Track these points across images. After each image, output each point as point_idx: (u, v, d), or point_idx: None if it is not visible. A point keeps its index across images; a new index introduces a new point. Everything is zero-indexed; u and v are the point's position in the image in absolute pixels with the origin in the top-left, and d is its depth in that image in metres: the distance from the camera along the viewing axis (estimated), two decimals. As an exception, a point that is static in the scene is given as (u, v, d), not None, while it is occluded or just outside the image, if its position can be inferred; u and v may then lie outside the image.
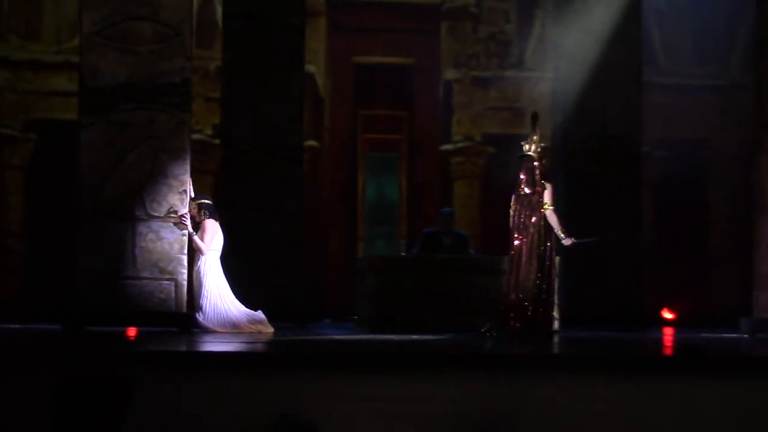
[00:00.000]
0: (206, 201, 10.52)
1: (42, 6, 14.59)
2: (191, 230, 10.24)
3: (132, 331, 9.74)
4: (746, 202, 12.58)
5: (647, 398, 6.75)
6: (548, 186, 10.05)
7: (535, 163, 10.08)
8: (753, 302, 11.52)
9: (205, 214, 10.34)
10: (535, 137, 10.21)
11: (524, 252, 9.98)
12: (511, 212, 10.11)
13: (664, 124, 14.75)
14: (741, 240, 13.65)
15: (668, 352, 9.12)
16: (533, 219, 9.99)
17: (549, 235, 10.00)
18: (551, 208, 9.99)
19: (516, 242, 10.01)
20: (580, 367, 7.37)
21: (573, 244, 10.19)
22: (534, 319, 9.86)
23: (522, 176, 10.05)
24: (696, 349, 8.02)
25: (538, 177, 10.03)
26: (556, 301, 10.26)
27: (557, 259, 10.27)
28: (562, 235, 10.03)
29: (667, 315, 13.02)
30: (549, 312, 10.04)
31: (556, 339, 9.93)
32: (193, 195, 10.45)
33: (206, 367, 7.16)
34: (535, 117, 10.44)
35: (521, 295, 9.94)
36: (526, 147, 10.19)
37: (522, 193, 10.04)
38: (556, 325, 10.31)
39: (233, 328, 10.10)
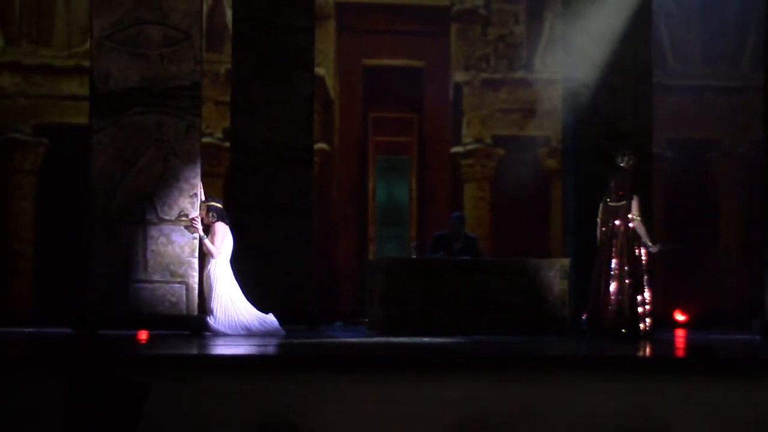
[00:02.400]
0: (216, 204, 10.54)
1: (53, 11, 14.62)
2: (202, 233, 10.27)
3: (143, 335, 9.76)
4: (756, 203, 12.55)
5: (661, 398, 6.77)
6: (635, 198, 10.62)
7: (626, 176, 10.72)
8: (765, 303, 11.51)
9: (213, 216, 10.36)
10: (627, 152, 10.89)
11: (614, 259, 10.57)
12: (599, 221, 10.75)
13: (674, 124, 14.73)
14: (751, 241, 13.63)
15: (680, 353, 9.14)
16: (622, 228, 10.58)
17: (637, 243, 10.56)
18: (639, 218, 10.56)
19: (605, 249, 10.61)
20: (592, 367, 7.39)
21: (660, 251, 10.74)
22: (630, 322, 10.40)
23: (612, 186, 10.71)
24: (707, 350, 8.03)
25: (628, 189, 10.64)
26: (648, 306, 10.59)
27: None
28: (650, 244, 10.57)
29: (680, 317, 13.00)
30: (643, 316, 10.50)
31: (650, 340, 10.21)
32: (203, 198, 10.47)
33: (217, 369, 7.19)
34: (621, 138, 11.58)
35: (614, 300, 10.49)
36: (619, 159, 10.86)
37: (611, 203, 10.64)
38: (648, 327, 10.59)
39: (244, 331, 10.12)
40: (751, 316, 11.69)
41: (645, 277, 10.59)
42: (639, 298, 10.49)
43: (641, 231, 10.53)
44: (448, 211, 13.57)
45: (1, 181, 14.35)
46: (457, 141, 15.48)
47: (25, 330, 10.86)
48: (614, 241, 10.55)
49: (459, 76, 15.54)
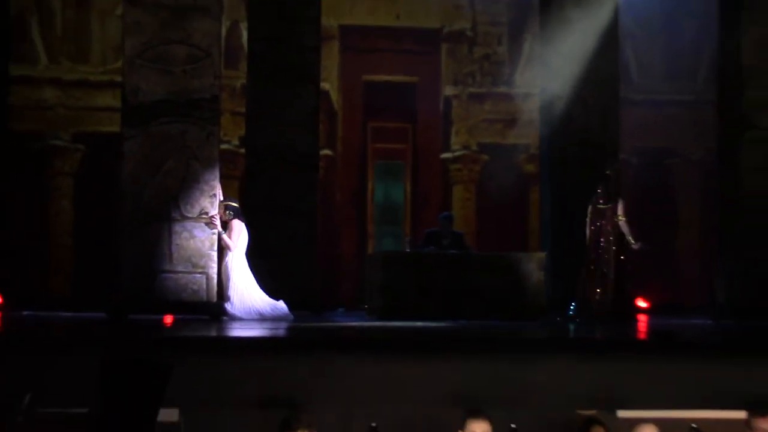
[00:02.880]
0: (233, 203, 10.56)
1: (90, 32, 14.63)
2: (220, 229, 10.29)
3: (168, 319, 9.77)
4: (711, 203, 12.58)
5: (623, 375, 6.80)
6: (621, 201, 10.76)
7: (612, 182, 10.89)
8: (716, 293, 11.55)
9: (230, 214, 10.37)
10: (613, 161, 11.23)
11: (602, 255, 10.69)
12: (588, 221, 10.85)
13: (638, 134, 14.73)
14: (707, 236, 13.66)
15: (643, 336, 9.16)
16: (609, 227, 10.67)
17: (621, 241, 10.66)
18: (624, 219, 10.66)
19: (593, 246, 10.74)
20: (565, 348, 7.42)
21: (641, 247, 10.78)
22: (614, 307, 10.62)
23: (600, 191, 10.81)
24: (668, 333, 8.08)
25: (614, 193, 10.78)
26: (627, 295, 10.93)
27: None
28: (633, 241, 10.65)
29: (642, 304, 13.00)
30: (625, 301, 10.79)
31: (631, 321, 10.43)
32: (221, 198, 10.49)
33: (234, 350, 7.21)
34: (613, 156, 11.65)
35: (600, 290, 10.51)
36: (606, 167, 11.11)
37: (599, 205, 10.72)
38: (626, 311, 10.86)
39: (257, 315, 10.13)
40: (705, 304, 11.72)
41: (626, 270, 10.68)
42: (623, 290, 10.63)
43: (626, 230, 10.63)
44: (438, 211, 13.58)
45: (43, 183, 14.36)
46: (447, 148, 15.49)
47: (64, 314, 10.88)
48: (601, 240, 10.59)
49: (448, 91, 15.55)
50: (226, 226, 10.35)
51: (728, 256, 11.49)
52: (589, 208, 10.89)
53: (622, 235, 10.71)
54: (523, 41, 15.35)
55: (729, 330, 10.05)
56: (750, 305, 10.99)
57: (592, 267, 10.82)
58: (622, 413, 6.86)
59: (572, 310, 10.96)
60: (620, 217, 10.67)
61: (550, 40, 12.58)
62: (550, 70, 12.62)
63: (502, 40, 15.50)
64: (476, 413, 6.02)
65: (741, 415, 6.43)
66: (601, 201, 10.80)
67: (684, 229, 15.16)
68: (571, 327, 10.15)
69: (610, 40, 12.48)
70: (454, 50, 15.54)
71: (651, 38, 15.21)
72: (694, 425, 6.24)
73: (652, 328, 10.03)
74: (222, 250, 10.35)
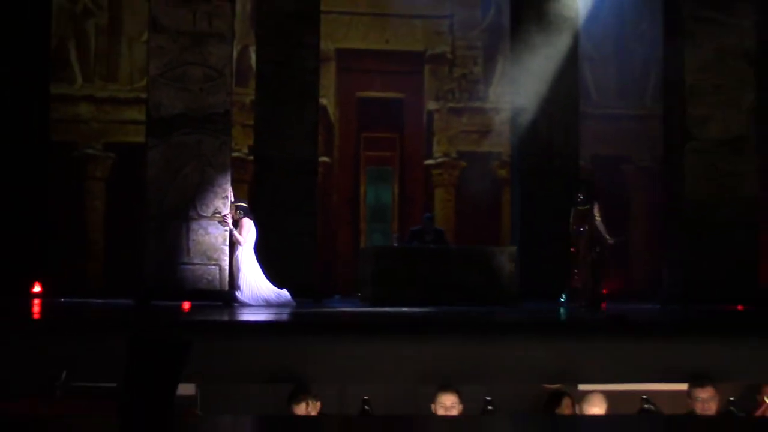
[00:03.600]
0: (243, 204, 10.52)
1: (119, 55, 14.60)
2: (231, 227, 10.26)
3: (186, 305, 9.74)
4: (659, 203, 12.59)
5: (582, 352, 6.79)
6: (596, 204, 10.68)
7: (589, 188, 10.80)
8: (664, 281, 11.55)
9: (240, 214, 10.33)
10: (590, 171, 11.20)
11: (581, 252, 10.64)
12: (570, 222, 10.75)
13: (596, 144, 14.75)
14: (653, 233, 13.68)
15: (600, 320, 9.16)
16: (587, 227, 10.60)
17: (599, 238, 10.59)
18: (600, 219, 10.60)
19: (575, 245, 10.67)
20: (531, 330, 7.41)
21: (616, 242, 10.77)
22: (592, 298, 10.46)
23: (580, 196, 10.69)
24: (620, 316, 8.07)
25: (590, 196, 10.70)
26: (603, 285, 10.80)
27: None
28: (608, 237, 10.60)
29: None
30: (600, 293, 10.63)
31: (603, 310, 10.37)
32: (233, 200, 10.45)
33: (244, 332, 7.19)
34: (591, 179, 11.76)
35: (582, 282, 10.61)
36: (584, 175, 11.46)
37: (579, 207, 10.67)
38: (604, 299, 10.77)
39: (264, 302, 10.10)
40: (653, 290, 11.73)
41: (603, 263, 10.78)
42: (598, 279, 10.70)
43: (602, 228, 10.56)
44: (422, 211, 13.57)
45: (78, 186, 14.33)
46: (430, 155, 15.48)
47: (96, 301, 10.85)
48: (581, 239, 10.65)
49: (431, 105, 15.55)
50: (237, 224, 10.32)
51: (672, 249, 11.50)
52: (572, 210, 10.90)
53: (599, 232, 10.73)
54: (496, 62, 15.36)
55: (673, 313, 10.07)
56: (691, 292, 10.99)
57: (575, 261, 10.83)
58: (582, 387, 6.85)
59: (564, 297, 11.04)
60: (597, 217, 10.69)
61: (519, 62, 12.58)
62: (519, 88, 12.62)
63: (478, 61, 15.51)
64: (445, 387, 5.98)
65: (684, 386, 6.44)
66: (580, 203, 10.82)
67: (635, 225, 15.19)
68: (563, 312, 10.18)
69: (571, 61, 12.48)
70: (436, 70, 15.54)
71: (606, 60, 15.24)
72: (644, 396, 6.23)
73: (607, 312, 10.03)
74: (233, 245, 10.32)
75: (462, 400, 5.93)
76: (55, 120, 13.64)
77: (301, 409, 5.78)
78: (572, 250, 10.70)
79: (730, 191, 11.18)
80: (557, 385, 6.82)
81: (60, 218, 13.68)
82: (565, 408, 6.24)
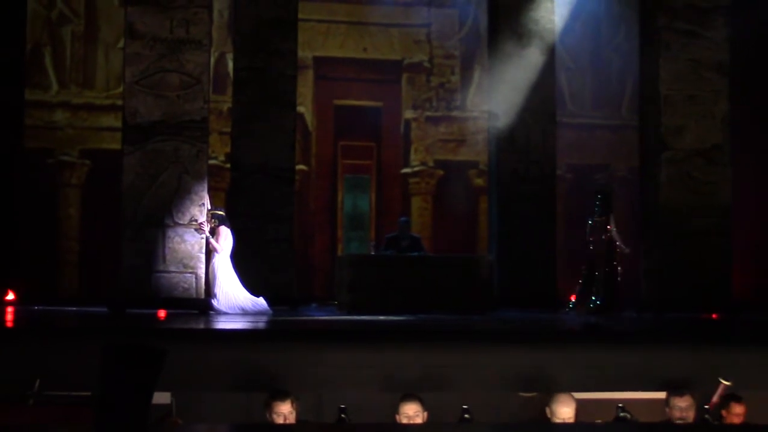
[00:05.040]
0: (219, 212, 10.50)
1: (95, 62, 14.53)
2: (208, 234, 10.22)
3: (162, 313, 9.69)
4: (634, 212, 12.66)
5: (556, 359, 6.81)
6: (612, 215, 11.22)
7: (605, 201, 11.30)
8: (642, 290, 11.60)
9: (216, 222, 10.30)
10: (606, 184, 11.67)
11: (597, 260, 11.12)
12: (587, 233, 11.29)
13: (572, 153, 14.83)
14: (629, 241, 13.70)
15: (575, 328, 9.20)
16: (603, 237, 11.09)
17: (612, 247, 11.13)
18: (615, 229, 11.17)
19: (591, 254, 11.18)
20: (506, 337, 7.42)
21: (630, 251, 11.26)
22: (606, 304, 10.94)
23: (595, 208, 11.27)
24: (595, 324, 8.10)
25: (606, 210, 11.23)
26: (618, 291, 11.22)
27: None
28: (624, 246, 11.15)
29: (575, 300, 13.02)
30: (616, 299, 11.07)
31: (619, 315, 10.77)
32: (209, 207, 10.42)
33: (219, 340, 7.16)
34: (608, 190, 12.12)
35: (596, 288, 11.07)
36: (601, 189, 11.77)
37: (595, 218, 11.18)
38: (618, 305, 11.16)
39: (240, 310, 10.06)
40: (631, 298, 11.78)
41: (617, 272, 10.98)
42: (612, 289, 10.90)
43: (617, 238, 11.04)
44: (398, 219, 13.58)
45: (53, 193, 14.23)
46: (407, 164, 15.50)
47: (70, 309, 10.77)
48: (597, 249, 10.96)
49: (408, 114, 15.57)
50: (213, 231, 10.29)
51: (648, 258, 11.57)
52: (588, 223, 11.26)
53: (613, 242, 11.06)
54: (473, 72, 15.41)
55: (649, 321, 10.12)
56: (667, 300, 11.06)
57: (591, 269, 11.17)
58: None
59: (571, 305, 11.27)
60: (612, 229, 10.99)
61: (496, 72, 12.62)
62: (496, 97, 12.66)
63: (455, 70, 15.55)
64: (407, 396, 5.97)
65: (660, 395, 6.46)
66: (597, 214, 11.08)
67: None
68: (571, 319, 10.39)
69: (547, 71, 12.53)
70: (413, 79, 15.57)
71: (582, 71, 15.33)
72: (620, 405, 6.25)
73: (582, 320, 10.07)
74: (210, 252, 10.28)
75: (425, 407, 5.93)
76: (29, 126, 13.53)
77: (285, 408, 5.76)
78: (589, 260, 10.96)
79: (705, 200, 11.29)
80: (533, 394, 6.83)
81: (34, 225, 13.57)
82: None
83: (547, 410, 6.11)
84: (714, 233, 11.22)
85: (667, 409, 6.25)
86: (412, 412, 5.85)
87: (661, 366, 6.71)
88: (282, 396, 5.81)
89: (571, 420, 5.95)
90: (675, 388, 6.25)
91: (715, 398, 6.31)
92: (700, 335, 7.78)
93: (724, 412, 6.19)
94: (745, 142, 12.50)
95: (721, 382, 6.31)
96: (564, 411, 5.98)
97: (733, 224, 11.43)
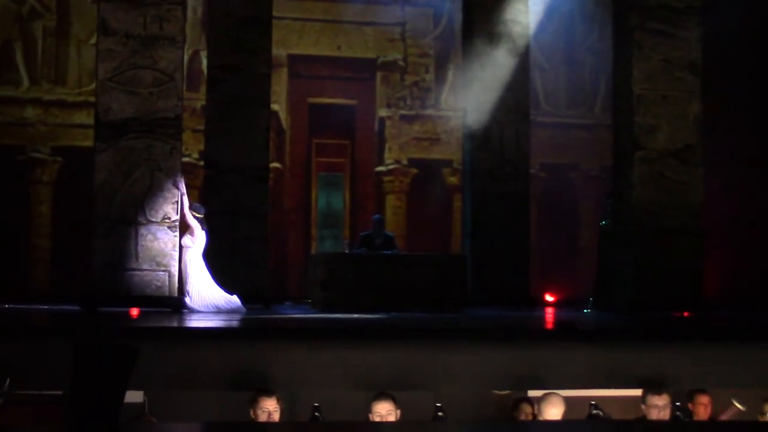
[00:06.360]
0: (201, 209, 10.45)
1: (67, 58, 14.41)
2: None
3: (134, 311, 9.63)
4: (606, 211, 12.70)
5: (534, 360, 6.82)
6: None
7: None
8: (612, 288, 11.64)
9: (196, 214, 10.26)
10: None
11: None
12: (601, 231, 11.52)
13: (546, 152, 14.89)
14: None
15: (550, 326, 9.23)
16: None
17: None
18: None
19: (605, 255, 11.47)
20: (485, 336, 7.41)
21: None
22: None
23: (607, 209, 11.48)
24: (571, 324, 8.13)
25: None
26: None
27: None
28: None
29: (549, 298, 13.10)
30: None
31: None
32: (188, 203, 10.33)
33: (192, 338, 7.12)
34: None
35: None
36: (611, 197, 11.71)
37: (608, 219, 11.40)
38: None
39: (214, 309, 10.00)
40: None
41: None
42: None
43: None
44: (372, 217, 13.57)
45: (24, 190, 14.10)
46: (381, 162, 15.50)
47: (41, 307, 10.67)
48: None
49: (383, 112, 15.57)
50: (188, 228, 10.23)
51: (621, 256, 11.62)
52: (601, 223, 11.46)
53: None
54: (447, 70, 15.44)
55: (622, 320, 10.16)
56: (640, 299, 11.11)
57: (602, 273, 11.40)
58: (532, 392, 6.89)
59: (590, 304, 11.33)
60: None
61: (470, 70, 12.63)
62: (471, 96, 12.67)
63: (430, 69, 15.57)
64: (380, 395, 5.97)
65: (632, 392, 6.49)
66: (608, 216, 11.38)
67: (583, 233, 15.34)
68: (589, 317, 10.47)
69: (521, 71, 12.55)
70: (387, 77, 15.57)
71: (556, 70, 15.40)
72: (593, 402, 6.27)
73: (557, 319, 10.11)
74: (182, 249, 10.22)
75: (397, 405, 5.92)
76: (0, 123, 13.42)
77: (271, 404, 5.75)
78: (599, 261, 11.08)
79: (677, 200, 11.35)
80: (506, 392, 6.84)
81: (4, 223, 13.44)
82: (523, 414, 6.26)
83: (536, 408, 6.12)
84: (686, 232, 11.28)
85: (643, 407, 6.28)
86: (384, 411, 5.85)
87: (634, 364, 6.74)
88: (268, 392, 5.80)
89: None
90: (653, 387, 6.28)
91: (724, 416, 6.35)
92: (671, 333, 7.82)
93: (690, 405, 6.23)
94: (717, 142, 12.58)
95: (733, 404, 6.35)
96: (552, 412, 6.00)
97: (705, 224, 11.51)
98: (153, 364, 5.85)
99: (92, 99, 11.53)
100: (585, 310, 11.32)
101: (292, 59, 15.24)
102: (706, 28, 11.59)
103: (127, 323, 8.22)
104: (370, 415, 5.89)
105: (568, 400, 6.43)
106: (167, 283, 10.12)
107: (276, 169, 14.56)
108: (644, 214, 11.31)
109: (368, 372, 6.56)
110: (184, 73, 11.07)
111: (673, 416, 6.06)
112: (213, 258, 10.42)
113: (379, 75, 15.54)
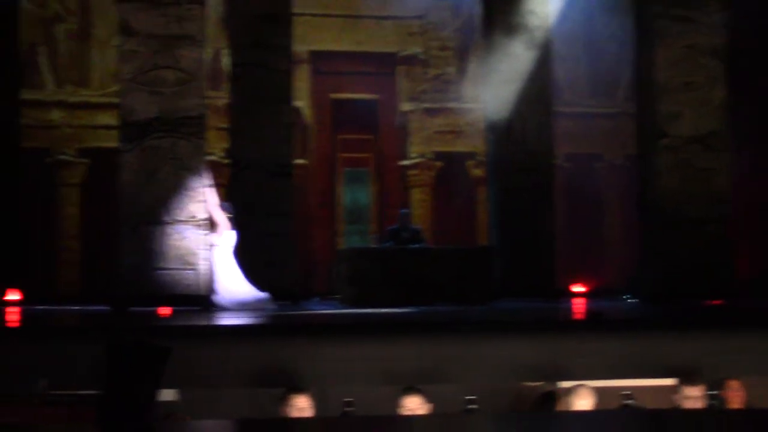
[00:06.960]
0: (228, 205, 10.50)
1: (90, 60, 14.51)
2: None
3: (164, 310, 9.66)
4: (631, 202, 12.65)
5: (564, 349, 6.79)
6: None
7: None
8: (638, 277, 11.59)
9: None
10: None
11: None
12: None
13: (569, 142, 14.82)
14: (626, 230, 13.74)
15: (578, 317, 9.18)
16: None
17: None
18: None
19: None
20: (512, 327, 7.39)
21: None
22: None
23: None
24: (597, 314, 8.09)
25: None
26: None
27: None
28: None
29: (577, 288, 13.03)
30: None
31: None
32: (217, 202, 10.36)
33: (222, 336, 7.14)
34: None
35: None
36: None
37: None
38: None
39: (243, 306, 10.02)
40: (628, 288, 11.79)
41: None
42: None
43: None
44: (398, 212, 13.57)
45: (52, 192, 14.22)
46: (405, 156, 15.50)
47: (72, 308, 10.74)
48: None
49: (406, 106, 15.56)
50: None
51: (647, 246, 11.55)
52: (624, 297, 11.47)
53: None
54: (468, 63, 15.39)
55: (649, 309, 10.10)
56: (667, 288, 11.04)
57: None
58: (563, 384, 6.86)
59: (629, 296, 11.34)
60: None
61: (491, 62, 12.59)
62: (493, 88, 12.63)
63: (451, 61, 15.55)
64: (408, 389, 5.97)
65: (664, 382, 6.45)
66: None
67: (608, 222, 15.28)
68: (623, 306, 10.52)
69: (542, 61, 12.50)
70: (409, 71, 15.57)
71: (578, 59, 15.32)
72: (624, 392, 6.24)
73: (587, 308, 10.06)
74: (211, 249, 10.24)
75: (427, 399, 5.91)
76: (26, 126, 13.51)
77: (303, 401, 5.77)
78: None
79: (703, 187, 11.25)
80: (537, 383, 6.82)
81: (34, 225, 13.55)
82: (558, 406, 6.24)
83: (565, 401, 6.09)
84: (712, 220, 11.19)
85: (676, 397, 6.23)
86: (413, 405, 5.85)
87: (665, 354, 6.69)
88: (300, 390, 5.82)
89: None
90: (687, 377, 6.22)
91: None
92: (701, 322, 7.75)
93: (723, 393, 6.18)
94: (744, 128, 12.47)
95: None
96: (581, 404, 5.98)
97: (732, 210, 11.41)
98: (184, 363, 5.86)
99: (116, 100, 11.58)
100: (625, 297, 11.34)
101: (314, 55, 15.26)
102: (730, 12, 11.46)
103: (157, 322, 8.25)
104: (399, 410, 5.89)
105: (598, 391, 6.40)
106: (196, 281, 10.13)
107: (300, 165, 14.59)
108: (670, 202, 11.23)
109: (397, 366, 6.55)
110: (206, 72, 11.09)
111: (708, 406, 6.01)
112: (241, 255, 10.44)
113: (400, 69, 15.53)
